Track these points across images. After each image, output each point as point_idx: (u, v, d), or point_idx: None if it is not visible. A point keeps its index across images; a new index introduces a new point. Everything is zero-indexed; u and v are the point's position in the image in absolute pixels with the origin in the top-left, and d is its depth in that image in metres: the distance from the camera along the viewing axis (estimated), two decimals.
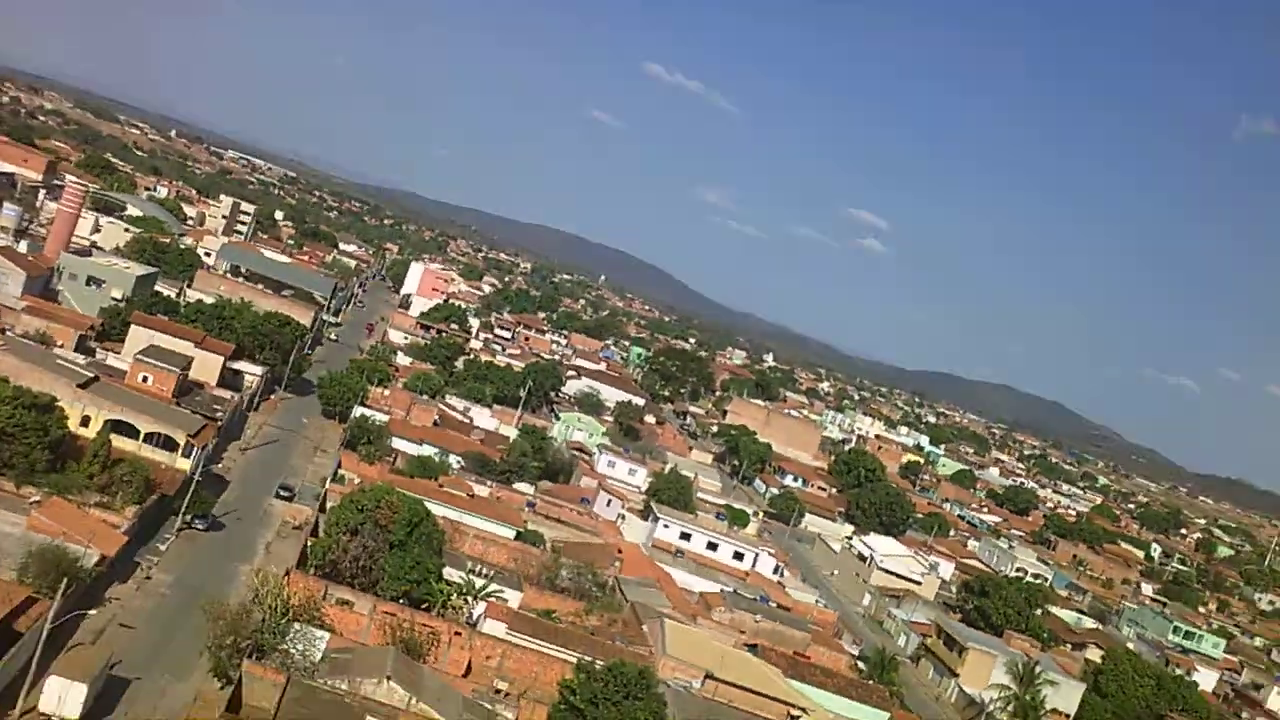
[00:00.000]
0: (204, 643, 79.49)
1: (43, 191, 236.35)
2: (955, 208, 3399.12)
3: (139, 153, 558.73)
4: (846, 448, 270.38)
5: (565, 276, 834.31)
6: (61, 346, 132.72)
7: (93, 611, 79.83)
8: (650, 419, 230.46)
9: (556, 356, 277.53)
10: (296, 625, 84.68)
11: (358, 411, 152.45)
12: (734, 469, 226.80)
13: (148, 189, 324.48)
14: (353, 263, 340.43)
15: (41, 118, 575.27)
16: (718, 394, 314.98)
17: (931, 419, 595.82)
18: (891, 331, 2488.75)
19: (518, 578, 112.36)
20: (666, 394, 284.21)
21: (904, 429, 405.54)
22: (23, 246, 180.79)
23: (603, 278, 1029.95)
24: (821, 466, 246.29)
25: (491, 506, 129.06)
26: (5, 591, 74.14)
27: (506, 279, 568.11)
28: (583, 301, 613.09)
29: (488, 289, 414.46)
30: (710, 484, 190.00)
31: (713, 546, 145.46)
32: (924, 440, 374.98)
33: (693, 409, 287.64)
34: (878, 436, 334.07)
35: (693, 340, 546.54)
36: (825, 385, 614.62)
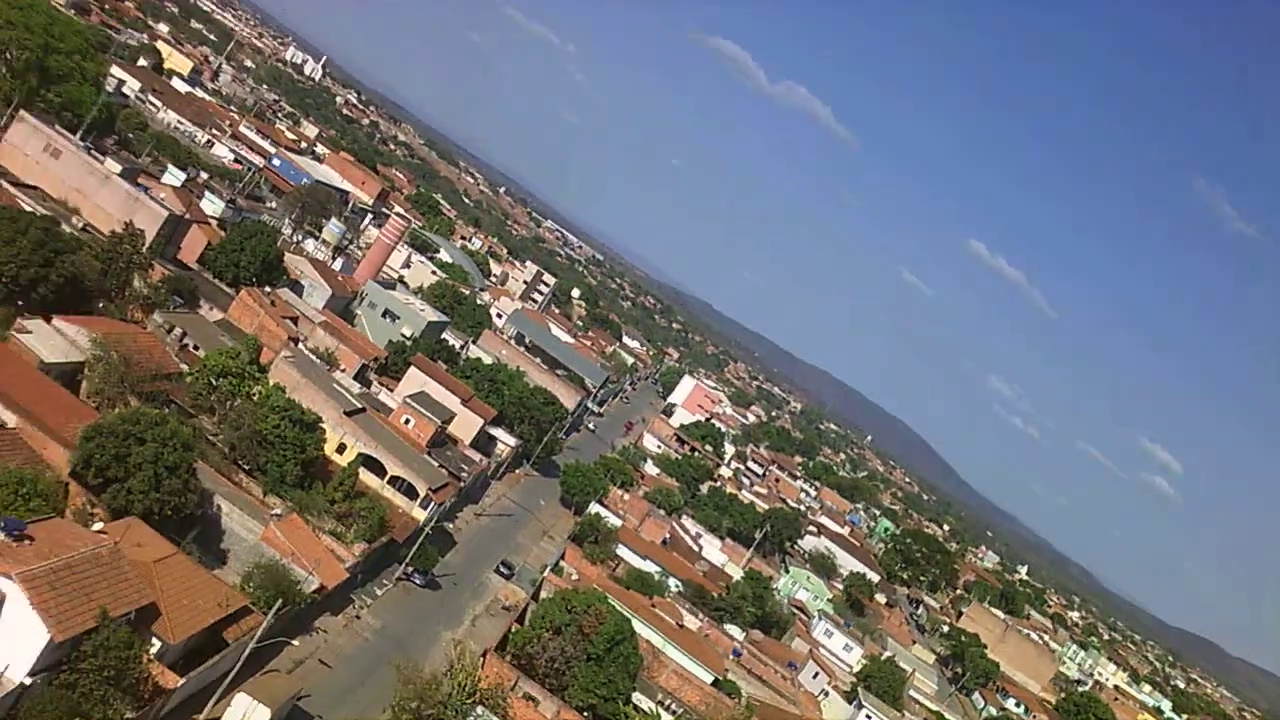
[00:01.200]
0: (390, 700, 78.67)
1: (369, 215, 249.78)
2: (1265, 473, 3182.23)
3: (466, 200, 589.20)
4: (1081, 690, 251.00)
5: (832, 427, 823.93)
6: (343, 371, 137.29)
7: (295, 642, 79.94)
8: (880, 598, 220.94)
9: (802, 506, 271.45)
10: (480, 709, 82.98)
11: (593, 509, 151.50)
12: (955, 675, 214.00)
13: (463, 238, 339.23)
14: (630, 359, 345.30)
15: (392, 146, 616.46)
16: (958, 591, 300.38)
17: (1181, 684, 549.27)
18: (1160, 578, 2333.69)
19: None
20: (904, 576, 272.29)
21: (1148, 687, 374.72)
22: (338, 263, 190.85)
23: (869, 438, 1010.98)
24: (1049, 700, 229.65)
25: (697, 644, 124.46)
26: (226, 596, 75.13)
27: (773, 413, 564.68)
28: (843, 456, 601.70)
29: (752, 418, 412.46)
30: (926, 684, 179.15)
31: None
32: (1166, 706, 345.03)
33: (928, 600, 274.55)
34: (1117, 688, 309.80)
35: (946, 527, 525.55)
36: (1075, 614, 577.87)
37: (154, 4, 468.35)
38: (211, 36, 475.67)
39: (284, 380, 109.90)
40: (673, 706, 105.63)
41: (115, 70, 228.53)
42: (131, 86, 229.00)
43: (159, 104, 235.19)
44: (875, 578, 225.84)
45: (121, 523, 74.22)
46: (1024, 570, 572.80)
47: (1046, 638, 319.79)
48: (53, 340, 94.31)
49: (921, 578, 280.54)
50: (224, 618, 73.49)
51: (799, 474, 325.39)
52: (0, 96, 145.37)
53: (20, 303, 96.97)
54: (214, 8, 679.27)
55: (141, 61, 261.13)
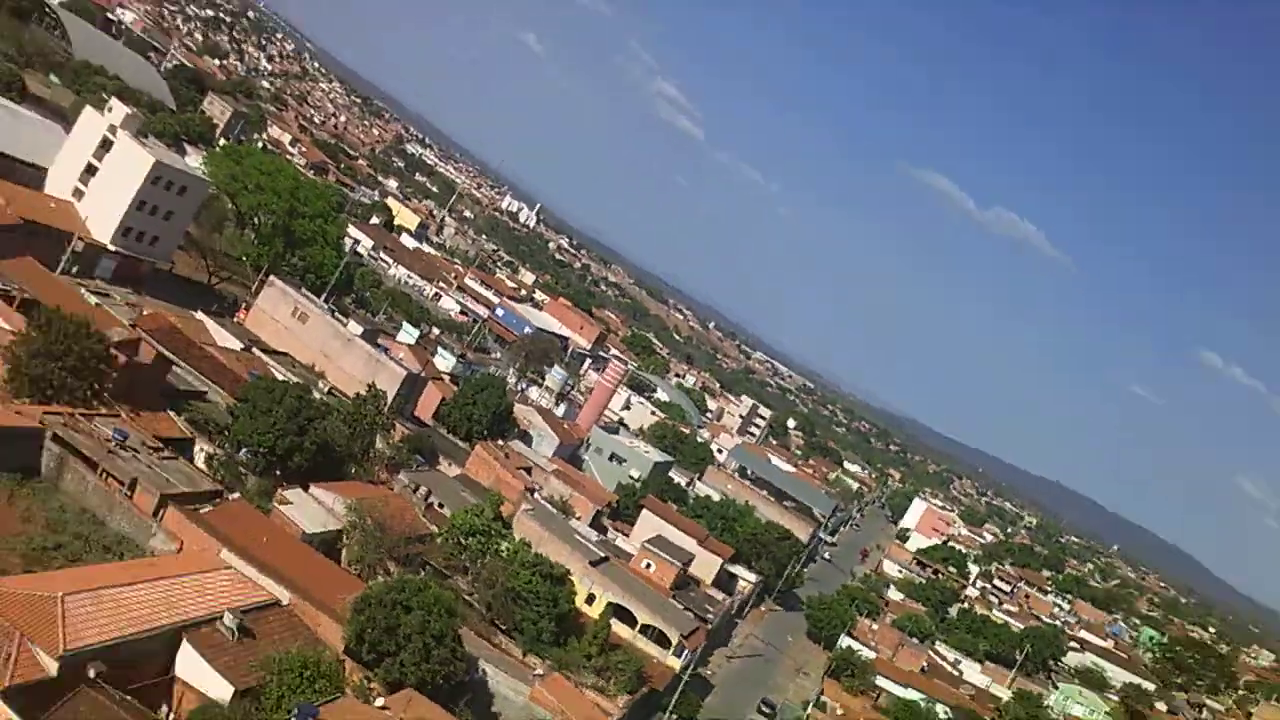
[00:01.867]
0: None
1: (588, 360, 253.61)
2: None
3: (677, 337, 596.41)
4: None
5: (1073, 539, 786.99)
6: (579, 518, 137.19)
7: None
8: (1161, 706, 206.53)
9: (1058, 622, 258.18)
10: None
11: (844, 642, 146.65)
12: None
13: (678, 375, 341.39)
14: (854, 484, 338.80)
15: (603, 287, 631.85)
16: (1240, 691, 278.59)
17: None
18: None
19: None
20: (1179, 683, 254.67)
21: None
22: (561, 409, 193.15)
23: (1115, 547, 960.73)
24: None
25: None
26: None
27: (1009, 529, 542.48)
28: (1090, 566, 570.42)
29: (989, 537, 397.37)
30: None
31: None
32: None
33: (1210, 703, 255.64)
34: None
35: (1211, 629, 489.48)
36: None
37: (384, 160, 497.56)
38: (434, 189, 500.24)
39: (528, 534, 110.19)
40: None
41: (351, 229, 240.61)
42: (365, 245, 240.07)
43: (390, 260, 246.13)
44: (1150, 686, 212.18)
45: (401, 696, 74.14)
46: None
47: None
48: (311, 509, 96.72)
49: (1199, 682, 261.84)
50: None
51: (1049, 589, 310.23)
52: (249, 262, 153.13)
53: (278, 472, 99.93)
54: (437, 161, 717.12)
55: (374, 219, 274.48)
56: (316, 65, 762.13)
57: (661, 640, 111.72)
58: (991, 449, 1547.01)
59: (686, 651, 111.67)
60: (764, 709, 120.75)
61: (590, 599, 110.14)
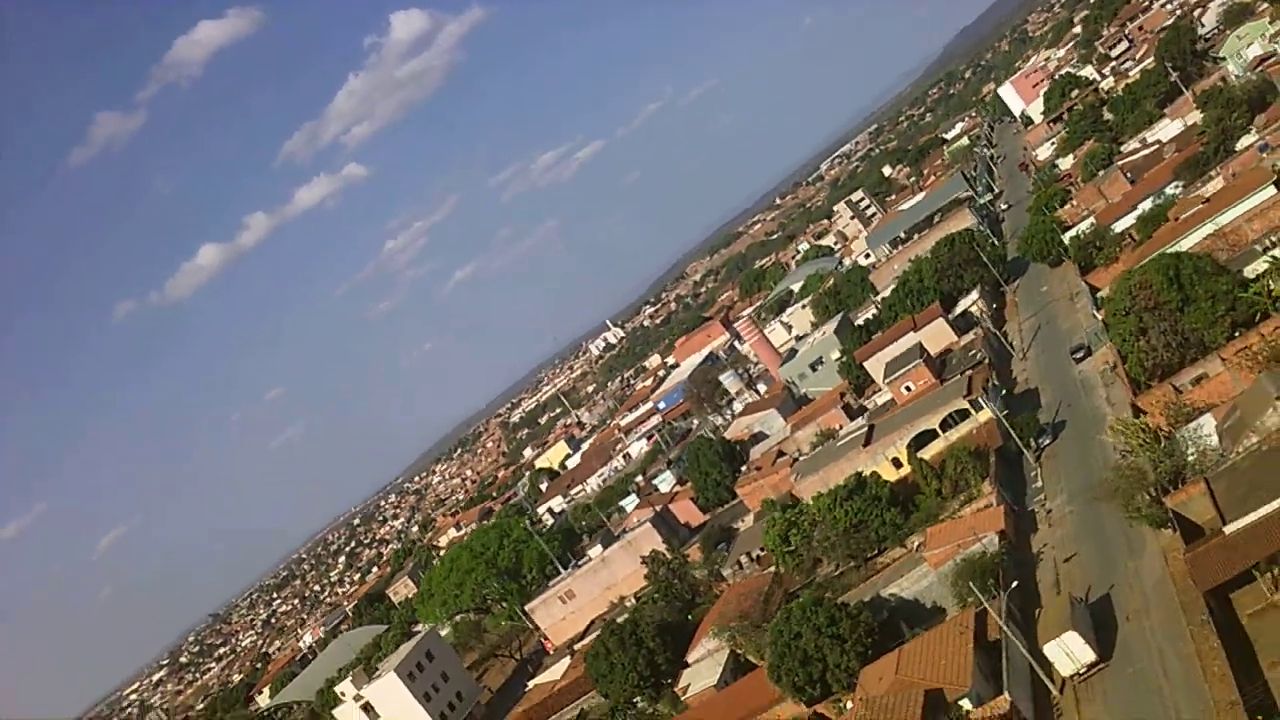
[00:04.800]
0: None
1: (736, 344, 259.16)
2: None
3: (769, 240, 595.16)
4: None
5: None
6: (840, 428, 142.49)
7: None
8: None
9: None
10: None
11: (1067, 236, 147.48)
12: None
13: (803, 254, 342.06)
14: (965, 141, 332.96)
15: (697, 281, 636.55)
16: None
17: None
18: None
19: None
20: None
21: None
22: (761, 389, 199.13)
23: None
24: None
25: (1226, 193, 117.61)
26: None
27: None
28: None
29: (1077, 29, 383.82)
30: None
31: None
32: None
33: None
34: None
35: None
36: None
37: (510, 452, 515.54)
38: (553, 413, 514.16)
39: (809, 491, 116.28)
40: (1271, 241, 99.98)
41: (539, 508, 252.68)
42: (553, 505, 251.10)
43: (581, 485, 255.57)
44: None
45: None
46: None
47: None
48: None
49: None
50: None
51: None
52: (510, 622, 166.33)
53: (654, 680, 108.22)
54: (535, 398, 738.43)
55: (543, 485, 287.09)
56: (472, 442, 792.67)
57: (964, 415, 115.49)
58: None
59: (983, 397, 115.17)
60: (1075, 355, 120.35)
61: (896, 463, 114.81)
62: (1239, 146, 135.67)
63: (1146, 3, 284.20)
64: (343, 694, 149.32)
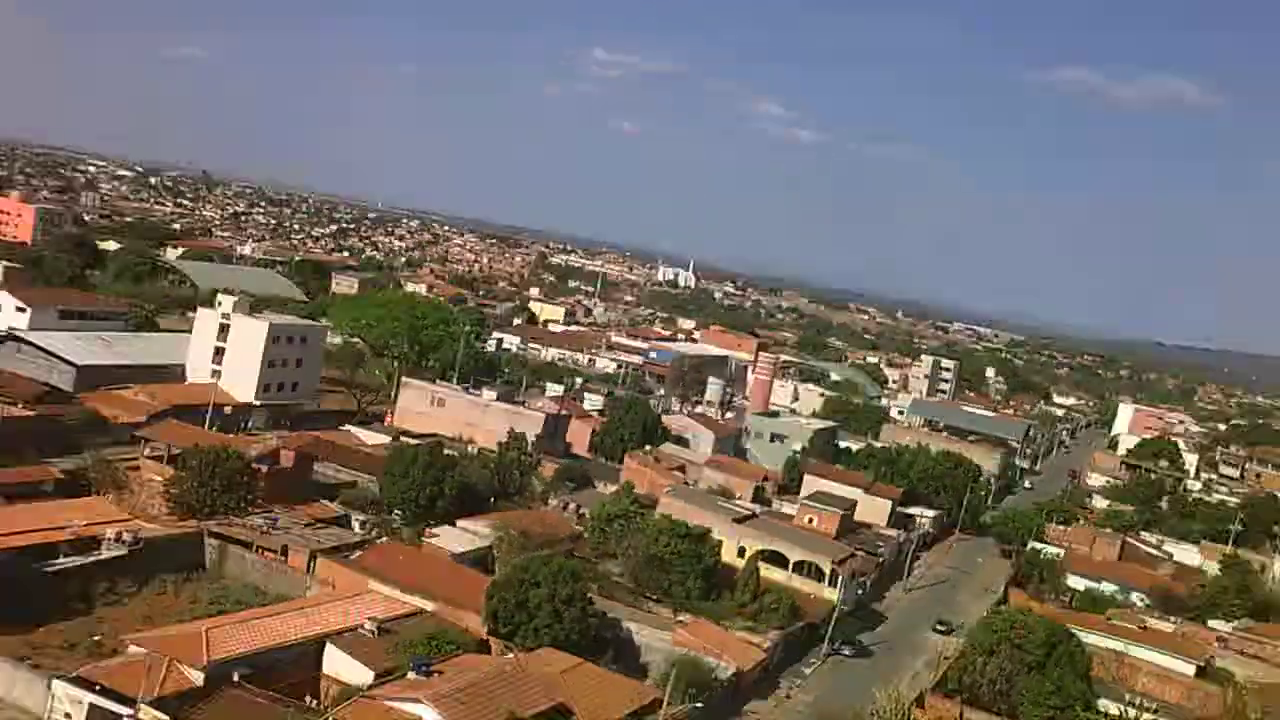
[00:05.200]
0: None
1: (750, 369, 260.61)
2: None
3: (866, 336, 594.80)
4: None
5: None
6: (740, 497, 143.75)
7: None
8: None
9: None
10: None
11: (1031, 545, 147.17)
12: None
13: (857, 361, 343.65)
14: (1061, 412, 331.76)
15: (779, 315, 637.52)
16: None
17: None
18: None
19: (1192, 715, 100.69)
20: None
21: None
22: (729, 417, 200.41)
23: None
24: None
25: (1165, 638, 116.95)
26: (638, 691, 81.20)
27: (1259, 421, 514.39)
28: None
29: (1222, 427, 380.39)
30: None
31: None
32: None
33: None
34: None
35: None
36: None
37: (533, 279, 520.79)
38: (589, 288, 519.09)
39: (670, 510, 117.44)
40: (1144, 703, 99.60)
41: (499, 334, 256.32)
42: (512, 342, 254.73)
43: (539, 347, 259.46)
44: None
45: (539, 654, 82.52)
46: None
47: None
48: (460, 537, 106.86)
49: None
50: (642, 711, 79.10)
51: None
52: (392, 380, 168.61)
53: (429, 519, 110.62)
54: (585, 262, 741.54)
55: (516, 321, 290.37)
56: (446, 228, 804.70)
57: (818, 575, 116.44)
58: (1234, 345, 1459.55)
59: (841, 577, 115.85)
60: (939, 627, 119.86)
61: (741, 551, 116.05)
62: (1211, 623, 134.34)
63: None
64: (219, 303, 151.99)
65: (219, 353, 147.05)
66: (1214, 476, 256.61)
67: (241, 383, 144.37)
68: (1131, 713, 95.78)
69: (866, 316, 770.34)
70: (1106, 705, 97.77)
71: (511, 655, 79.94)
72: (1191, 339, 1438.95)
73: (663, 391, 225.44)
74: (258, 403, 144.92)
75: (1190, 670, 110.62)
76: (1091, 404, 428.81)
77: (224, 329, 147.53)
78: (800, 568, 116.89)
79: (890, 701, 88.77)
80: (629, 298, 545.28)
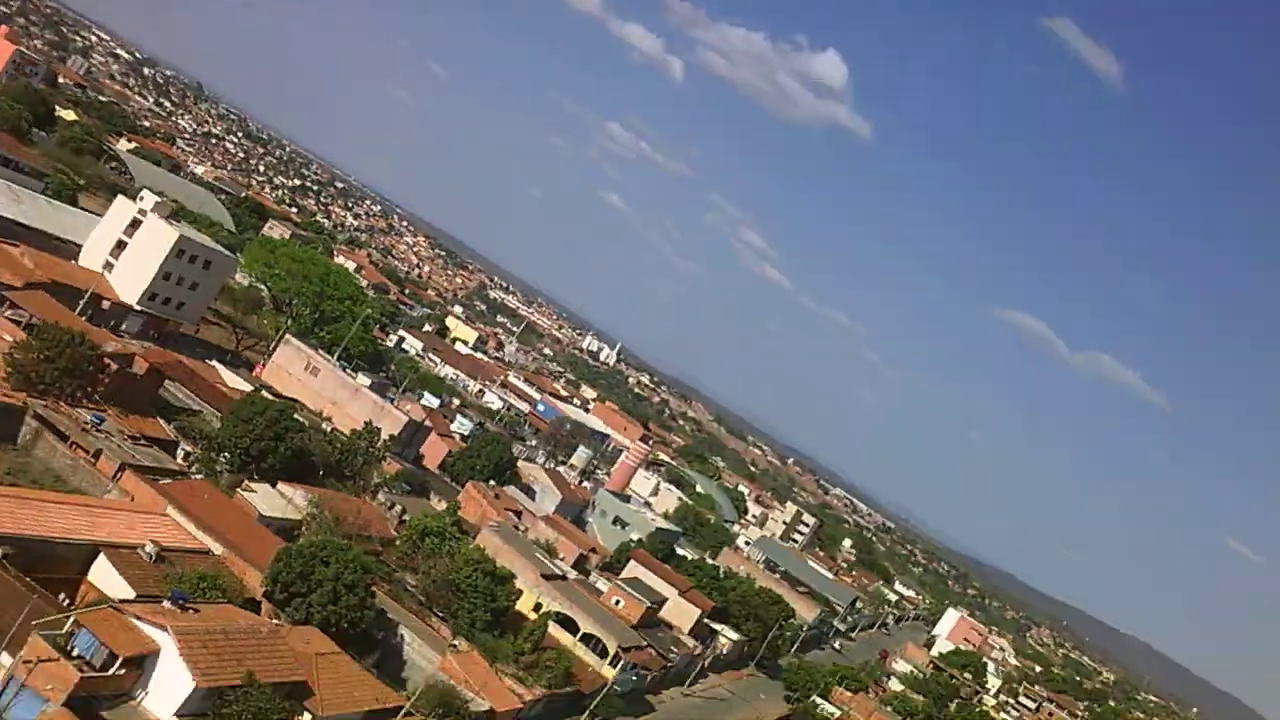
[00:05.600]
0: None
1: (624, 454, 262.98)
2: None
3: (751, 468, 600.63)
4: None
5: (1151, 697, 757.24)
6: (562, 559, 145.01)
7: None
8: None
9: None
10: None
11: (813, 699, 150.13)
12: None
13: (727, 485, 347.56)
14: (895, 598, 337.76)
15: (680, 421, 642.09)
16: None
17: None
18: None
19: None
20: None
21: None
22: (587, 485, 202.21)
23: (1195, 710, 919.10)
24: None
25: None
26: (384, 693, 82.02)
27: (1079, 679, 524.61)
28: None
29: (1037, 668, 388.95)
30: None
31: None
32: None
33: None
34: None
35: None
36: None
37: (464, 296, 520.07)
38: (514, 329, 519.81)
39: (487, 545, 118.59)
40: None
41: (401, 332, 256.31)
42: (413, 345, 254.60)
43: (438, 360, 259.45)
44: None
45: (302, 629, 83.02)
46: None
47: None
48: (274, 500, 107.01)
49: None
50: (384, 713, 79.81)
51: (1080, 713, 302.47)
52: (278, 333, 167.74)
53: (253, 470, 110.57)
54: (519, 305, 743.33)
55: (427, 328, 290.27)
56: (404, 223, 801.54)
57: (602, 652, 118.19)
58: (1078, 601, 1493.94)
59: (623, 662, 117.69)
60: None
61: (538, 607, 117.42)
62: None
63: None
64: (142, 197, 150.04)
65: (120, 246, 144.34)
66: (1011, 702, 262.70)
67: (129, 283, 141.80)
68: None
69: (759, 451, 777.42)
70: None
71: (276, 623, 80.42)
72: (1040, 584, 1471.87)
73: (534, 443, 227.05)
74: (138, 308, 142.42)
75: None
76: (927, 602, 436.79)
77: (136, 224, 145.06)
78: (588, 640, 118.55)
79: None
80: (548, 351, 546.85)
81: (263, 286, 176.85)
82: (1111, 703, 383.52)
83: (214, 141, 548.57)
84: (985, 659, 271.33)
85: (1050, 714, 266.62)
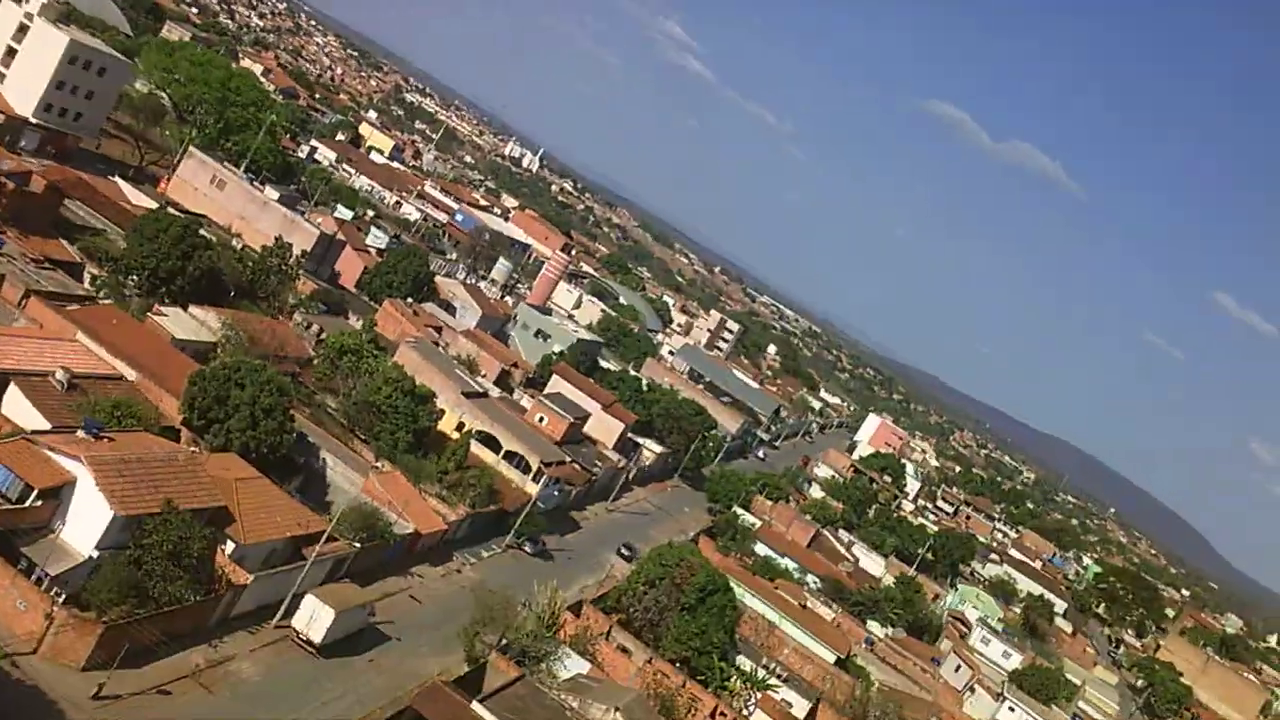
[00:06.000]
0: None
1: (545, 266, 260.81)
2: None
3: (678, 277, 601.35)
4: None
5: (1070, 498, 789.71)
6: (484, 375, 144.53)
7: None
8: (1066, 626, 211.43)
9: (993, 543, 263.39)
10: (566, 649, 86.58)
11: (735, 510, 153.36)
12: (1147, 705, 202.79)
13: (651, 296, 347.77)
14: (818, 405, 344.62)
15: (605, 229, 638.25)
16: (1164, 630, 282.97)
17: None
18: None
19: (815, 693, 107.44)
20: (1103, 616, 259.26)
21: None
22: (509, 300, 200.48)
23: (1111, 510, 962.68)
24: None
25: (819, 623, 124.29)
26: (306, 517, 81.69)
27: (1001, 480, 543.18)
28: (1075, 523, 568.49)
29: (958, 470, 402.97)
30: (1105, 703, 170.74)
31: None
32: None
33: (1129, 639, 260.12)
34: None
35: (1186, 592, 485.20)
36: None
37: (379, 100, 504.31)
38: (433, 136, 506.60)
39: (406, 363, 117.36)
40: (777, 670, 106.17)
41: (314, 143, 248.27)
42: (326, 155, 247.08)
43: (352, 171, 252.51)
44: (1061, 605, 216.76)
45: (221, 455, 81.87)
46: (1275, 639, 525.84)
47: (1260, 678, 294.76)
48: (186, 322, 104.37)
49: (1126, 617, 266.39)
50: (307, 538, 79.58)
51: (997, 515, 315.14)
52: (182, 146, 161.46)
53: (162, 293, 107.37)
54: (437, 109, 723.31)
55: (339, 137, 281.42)
56: (312, 23, 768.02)
57: (525, 469, 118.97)
58: (1000, 404, 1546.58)
59: (545, 478, 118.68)
60: (623, 551, 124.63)
61: (460, 426, 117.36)
62: (870, 623, 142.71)
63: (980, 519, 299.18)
64: (27, 1, 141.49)
65: (10, 54, 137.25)
66: (929, 505, 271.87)
67: (23, 94, 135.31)
68: (762, 674, 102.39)
69: (686, 261, 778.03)
70: (744, 663, 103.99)
71: (194, 449, 79.13)
72: (963, 385, 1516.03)
73: (453, 256, 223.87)
74: (34, 120, 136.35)
75: (831, 657, 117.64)
76: (852, 409, 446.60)
77: (23, 30, 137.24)
78: (511, 458, 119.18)
79: (545, 596, 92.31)
80: (468, 158, 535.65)
81: (163, 94, 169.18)
82: (1030, 504, 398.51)
83: None
84: (904, 462, 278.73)
85: (968, 517, 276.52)
